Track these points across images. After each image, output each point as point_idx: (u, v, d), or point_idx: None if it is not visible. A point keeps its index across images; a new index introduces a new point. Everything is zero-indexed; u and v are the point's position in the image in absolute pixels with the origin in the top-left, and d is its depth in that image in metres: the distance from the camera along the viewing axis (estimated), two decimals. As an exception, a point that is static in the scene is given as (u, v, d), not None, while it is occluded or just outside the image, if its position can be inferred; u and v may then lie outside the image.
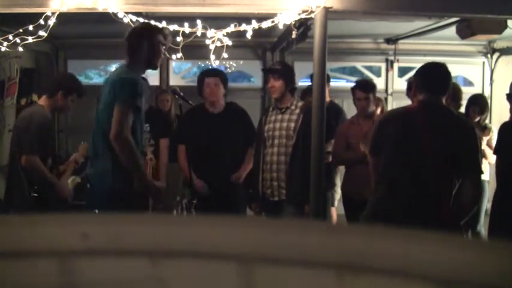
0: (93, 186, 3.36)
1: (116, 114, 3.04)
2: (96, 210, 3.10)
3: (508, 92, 3.76)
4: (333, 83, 6.58)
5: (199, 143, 4.26)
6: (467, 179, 2.87)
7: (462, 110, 4.89)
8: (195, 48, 4.03)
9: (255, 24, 3.69)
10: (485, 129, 4.97)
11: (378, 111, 4.75)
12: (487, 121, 5.29)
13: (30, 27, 3.65)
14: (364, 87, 4.49)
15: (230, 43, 3.79)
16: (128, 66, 3.27)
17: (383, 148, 2.97)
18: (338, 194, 5.22)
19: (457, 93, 4.45)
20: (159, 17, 3.86)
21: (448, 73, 3.04)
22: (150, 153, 4.66)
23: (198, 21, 3.68)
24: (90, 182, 3.38)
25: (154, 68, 3.42)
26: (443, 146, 2.82)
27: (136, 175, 3.17)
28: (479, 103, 5.05)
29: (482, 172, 3.09)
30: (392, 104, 7.19)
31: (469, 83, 7.45)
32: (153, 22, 3.67)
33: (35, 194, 3.56)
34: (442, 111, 2.98)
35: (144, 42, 3.22)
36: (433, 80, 2.97)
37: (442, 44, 6.70)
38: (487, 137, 4.91)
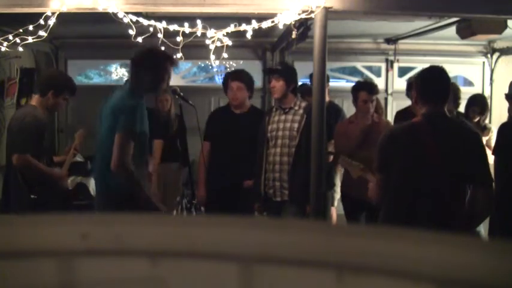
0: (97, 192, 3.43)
1: (117, 143, 3.05)
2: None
3: (507, 92, 3.76)
4: (333, 83, 6.58)
5: (220, 141, 4.37)
6: (480, 190, 2.83)
7: (461, 109, 4.89)
8: (195, 48, 4.03)
9: (255, 24, 3.68)
10: (485, 130, 4.97)
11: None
12: (486, 121, 5.29)
13: (30, 27, 3.64)
14: (370, 89, 4.48)
15: (230, 43, 3.79)
16: (131, 89, 3.25)
17: (392, 165, 2.90)
18: (338, 194, 5.22)
19: (455, 93, 4.42)
20: (159, 17, 3.86)
21: (448, 79, 2.98)
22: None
23: (198, 21, 3.67)
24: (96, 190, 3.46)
25: (157, 93, 3.42)
26: (454, 159, 2.78)
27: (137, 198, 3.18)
28: (479, 103, 5.04)
29: (493, 180, 3.06)
30: (392, 104, 7.19)
31: (469, 83, 7.45)
32: (153, 22, 3.67)
33: (35, 196, 3.55)
34: (447, 122, 2.94)
35: (151, 69, 3.20)
36: (436, 91, 2.91)
37: (442, 44, 6.70)
38: (486, 137, 4.91)
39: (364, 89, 4.46)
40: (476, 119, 4.92)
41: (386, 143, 2.97)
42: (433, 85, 2.93)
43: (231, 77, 4.48)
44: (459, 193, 2.83)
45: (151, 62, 3.23)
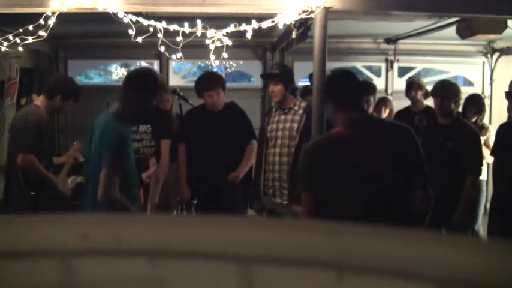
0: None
1: (102, 177, 3.02)
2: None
3: (507, 90, 3.76)
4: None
5: (200, 141, 4.34)
6: (421, 188, 2.61)
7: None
8: (195, 48, 4.02)
9: (255, 24, 3.68)
10: (482, 129, 4.97)
11: (387, 112, 4.71)
12: (484, 121, 5.29)
13: (30, 27, 3.64)
14: (367, 90, 4.48)
15: (230, 43, 3.79)
16: (118, 114, 3.14)
17: (322, 182, 2.58)
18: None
19: (457, 93, 4.37)
20: (159, 17, 3.85)
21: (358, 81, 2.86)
22: (152, 162, 4.36)
23: (198, 21, 3.67)
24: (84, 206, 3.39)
25: (146, 114, 3.38)
26: (392, 160, 2.56)
27: None
28: (476, 103, 5.04)
29: (430, 177, 2.71)
30: (392, 104, 7.19)
31: (469, 83, 7.45)
32: (153, 22, 3.67)
33: (33, 193, 3.56)
34: (375, 125, 2.81)
35: (142, 96, 3.13)
36: (355, 95, 2.72)
37: (442, 44, 6.70)
38: (484, 137, 4.90)
39: None
40: (474, 119, 4.92)
41: (311, 160, 2.66)
42: (351, 90, 2.72)
43: (205, 88, 4.40)
44: (400, 196, 2.58)
45: (145, 89, 3.15)
